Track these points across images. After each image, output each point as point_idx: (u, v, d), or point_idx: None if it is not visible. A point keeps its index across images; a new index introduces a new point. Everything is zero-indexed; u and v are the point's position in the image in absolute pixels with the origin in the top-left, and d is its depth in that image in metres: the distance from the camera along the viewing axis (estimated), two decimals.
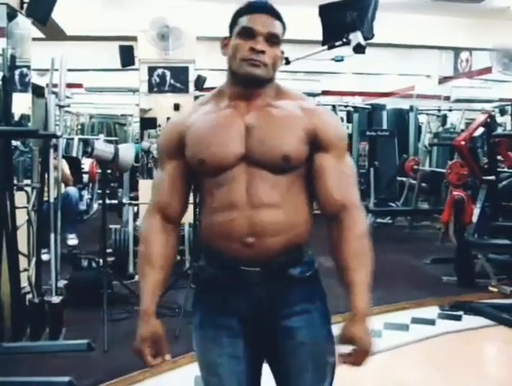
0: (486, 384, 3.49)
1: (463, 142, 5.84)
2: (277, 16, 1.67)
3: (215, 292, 1.69)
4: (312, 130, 1.64)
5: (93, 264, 4.81)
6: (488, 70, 9.71)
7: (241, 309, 1.65)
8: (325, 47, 4.27)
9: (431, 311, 4.65)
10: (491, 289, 5.14)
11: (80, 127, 12.51)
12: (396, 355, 3.80)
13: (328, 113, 1.75)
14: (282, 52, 1.69)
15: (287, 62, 4.75)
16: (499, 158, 6.35)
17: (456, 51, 10.56)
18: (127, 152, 3.98)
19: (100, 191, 8.85)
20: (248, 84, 1.65)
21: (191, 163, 1.65)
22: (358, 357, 1.56)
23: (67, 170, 6.30)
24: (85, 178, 8.57)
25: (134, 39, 6.62)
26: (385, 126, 9.82)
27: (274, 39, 1.64)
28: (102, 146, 4.01)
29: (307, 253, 1.70)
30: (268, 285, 1.63)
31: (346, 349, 1.53)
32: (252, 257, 1.60)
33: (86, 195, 8.95)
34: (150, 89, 6.54)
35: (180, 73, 6.50)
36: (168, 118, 6.43)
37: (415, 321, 4.44)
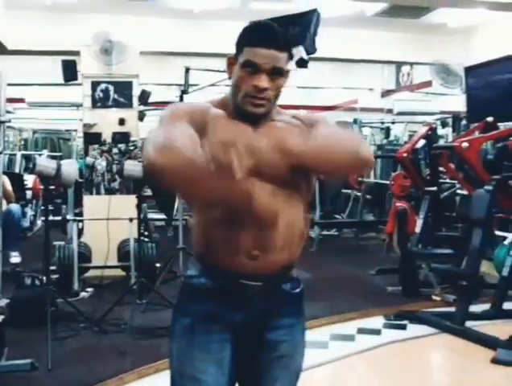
0: None
1: (405, 154, 5.95)
2: (284, 47, 1.66)
3: (207, 301, 1.67)
4: (305, 129, 1.69)
5: (37, 282, 4.70)
6: (428, 83, 9.97)
7: (235, 319, 1.66)
8: None
9: (377, 321, 4.72)
10: (434, 297, 5.25)
11: (23, 142, 12.28)
12: (342, 365, 3.83)
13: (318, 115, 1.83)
14: (287, 72, 1.69)
15: (231, 76, 4.78)
16: (441, 169, 6.51)
17: (398, 65, 10.81)
18: (70, 167, 3.92)
19: (43, 208, 8.69)
20: (250, 118, 1.67)
21: None
22: None
23: (9, 187, 6.16)
24: (29, 194, 8.40)
25: (77, 53, 6.55)
26: None
27: (278, 72, 1.64)
28: (44, 162, 3.94)
29: (293, 271, 1.76)
30: (265, 298, 1.66)
31: None
32: (254, 271, 1.63)
33: (29, 211, 8.77)
34: (94, 104, 6.46)
35: (124, 88, 6.45)
36: (114, 133, 6.39)
37: (361, 331, 4.48)
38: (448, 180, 6.71)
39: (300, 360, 1.78)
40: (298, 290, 1.74)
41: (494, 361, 3.83)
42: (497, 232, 5.13)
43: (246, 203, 1.61)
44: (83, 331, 4.34)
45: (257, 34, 1.66)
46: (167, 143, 1.45)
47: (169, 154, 1.42)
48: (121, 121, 6.47)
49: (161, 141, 1.47)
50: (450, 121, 10.01)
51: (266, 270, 1.64)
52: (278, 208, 1.64)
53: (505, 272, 4.70)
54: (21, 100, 10.48)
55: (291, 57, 1.70)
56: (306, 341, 1.80)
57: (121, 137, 6.42)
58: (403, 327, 4.62)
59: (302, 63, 4.21)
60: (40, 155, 6.53)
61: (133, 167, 4.34)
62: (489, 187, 4.65)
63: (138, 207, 4.46)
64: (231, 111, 1.69)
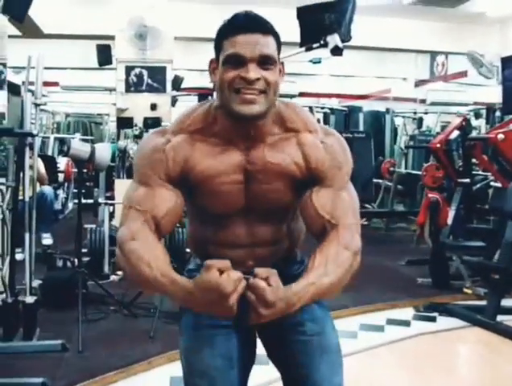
0: (460, 383, 3.53)
1: (438, 145, 5.89)
2: (268, 30, 1.46)
3: None
4: (306, 168, 1.55)
5: (68, 264, 4.77)
6: (463, 74, 9.83)
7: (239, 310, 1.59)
8: (303, 48, 4.28)
9: (406, 312, 4.69)
10: (465, 290, 5.19)
11: (55, 126, 12.39)
12: (371, 356, 3.81)
13: (324, 145, 1.58)
14: (283, 65, 1.52)
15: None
16: (474, 161, 6.42)
17: (432, 54, 10.65)
18: (103, 151, 3.96)
19: (75, 191, 8.78)
20: (244, 122, 1.48)
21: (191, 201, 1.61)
22: (258, 302, 1.30)
23: (42, 169, 6.23)
24: (61, 177, 8.48)
25: (112, 38, 6.58)
26: (361, 128, 9.88)
27: (268, 61, 1.44)
28: (78, 145, 3.98)
29: (298, 254, 1.75)
30: None
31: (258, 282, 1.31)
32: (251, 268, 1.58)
33: (61, 194, 8.86)
34: (128, 89, 6.51)
35: (158, 73, 6.48)
36: (146, 118, 6.43)
37: (390, 322, 4.46)
38: (480, 172, 6.62)
39: (334, 337, 1.67)
40: (301, 270, 1.63)
41: None
42: None
43: (239, 232, 1.60)
44: (113, 314, 4.39)
45: (234, 23, 1.46)
46: (128, 255, 1.44)
47: (126, 266, 1.46)
48: (153, 106, 6.51)
49: (126, 243, 1.46)
50: (484, 112, 9.87)
51: (265, 265, 1.46)
52: (274, 234, 1.62)
53: None
54: (55, 84, 10.61)
55: (279, 44, 1.48)
56: (333, 321, 1.72)
57: (153, 122, 6.45)
58: (433, 319, 4.58)
59: (336, 51, 4.17)
60: (73, 138, 6.57)
61: None
62: None
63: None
64: (220, 123, 1.52)
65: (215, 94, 1.56)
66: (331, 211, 1.52)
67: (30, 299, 3.80)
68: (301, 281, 1.39)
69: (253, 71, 1.41)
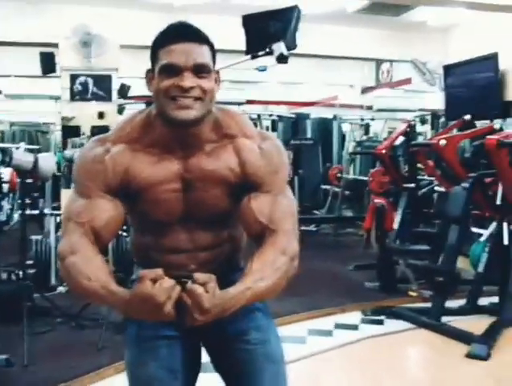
0: (408, 385, 3.58)
1: (384, 151, 6.00)
2: (202, 39, 1.48)
3: None
4: (242, 173, 1.56)
5: (13, 277, 4.66)
6: (408, 81, 10.03)
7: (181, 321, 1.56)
8: (248, 56, 4.31)
9: (354, 316, 4.75)
10: (411, 293, 5.29)
11: (0, 135, 12.14)
12: (320, 360, 3.84)
13: (260, 150, 1.58)
14: (218, 73, 1.53)
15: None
16: (419, 166, 6.56)
17: (378, 62, 10.85)
18: (47, 161, 3.89)
19: (20, 201, 8.60)
20: (181, 128, 1.50)
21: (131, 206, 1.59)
22: (194, 307, 1.31)
23: None
24: (5, 187, 8.31)
25: (56, 45, 6.49)
26: (309, 135, 9.98)
27: (203, 70, 1.46)
28: (21, 156, 3.91)
29: (241, 261, 1.76)
30: None
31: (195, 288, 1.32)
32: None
33: (6, 205, 8.68)
34: (73, 97, 6.42)
35: (103, 81, 6.41)
36: (93, 127, 6.35)
37: (339, 326, 4.51)
38: (425, 177, 6.77)
39: (278, 345, 1.68)
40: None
41: (469, 355, 3.89)
42: (474, 229, 5.18)
43: (181, 239, 1.61)
44: (60, 326, 4.31)
45: (168, 32, 1.48)
46: (68, 268, 1.45)
47: (67, 279, 1.47)
48: (101, 115, 6.45)
49: (66, 251, 1.47)
50: (429, 118, 10.09)
51: (207, 268, 1.50)
52: (215, 239, 1.63)
53: (480, 268, 4.76)
54: None
55: (213, 53, 1.51)
56: (277, 329, 1.73)
57: (100, 131, 6.36)
58: (381, 322, 4.65)
59: (282, 59, 4.21)
60: (17, 148, 6.44)
61: None
62: (466, 185, 4.69)
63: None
64: (158, 131, 1.53)
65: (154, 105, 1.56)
66: (269, 217, 1.53)
67: None
68: (238, 285, 1.41)
69: (189, 80, 1.42)
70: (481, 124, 6.01)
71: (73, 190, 1.58)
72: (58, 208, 6.32)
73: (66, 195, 6.15)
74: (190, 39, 1.45)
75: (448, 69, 7.92)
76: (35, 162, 3.77)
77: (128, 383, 1.67)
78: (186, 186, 1.55)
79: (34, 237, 5.59)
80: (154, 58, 1.49)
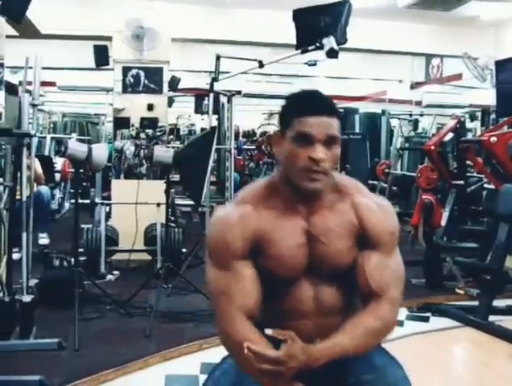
0: (452, 383, 3.56)
1: (433, 147, 5.93)
2: (334, 113, 1.58)
3: None
4: (360, 229, 1.64)
5: (65, 264, 4.80)
6: (458, 76, 9.87)
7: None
8: (299, 50, 4.33)
9: (400, 313, 4.71)
10: (458, 291, 5.24)
11: (52, 126, 12.42)
12: None
13: (379, 210, 1.68)
14: (339, 141, 1.61)
15: (261, 65, 4.82)
16: (469, 163, 6.47)
17: (428, 57, 10.69)
18: (101, 151, 3.99)
19: (72, 190, 8.80)
20: (307, 195, 1.60)
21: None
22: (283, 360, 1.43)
23: (39, 169, 6.26)
24: (57, 177, 8.52)
25: (109, 38, 6.60)
26: (357, 130, 9.93)
27: (332, 140, 1.56)
28: (76, 146, 4.01)
29: None
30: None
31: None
32: None
33: (58, 194, 8.91)
34: (125, 89, 6.53)
35: (154, 74, 6.50)
36: (142, 118, 6.45)
37: None
38: (475, 174, 6.67)
39: (397, 373, 1.71)
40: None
41: None
42: None
43: (305, 298, 1.63)
44: (109, 313, 4.42)
45: (304, 103, 1.58)
46: (233, 342, 1.53)
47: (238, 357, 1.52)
48: (150, 107, 6.53)
49: (228, 334, 1.55)
50: (479, 114, 9.93)
51: None
52: (338, 300, 1.65)
53: None
54: (52, 84, 10.62)
55: (341, 122, 1.62)
56: (393, 357, 1.78)
57: (150, 123, 6.49)
58: (426, 319, 4.63)
59: (332, 54, 4.22)
60: (70, 139, 6.60)
61: (162, 153, 4.38)
62: None
63: (167, 192, 4.50)
64: (283, 191, 1.62)
65: (277, 167, 1.68)
66: (378, 281, 1.63)
67: (27, 298, 3.83)
68: (327, 340, 1.52)
69: (321, 152, 1.53)
70: None
71: (214, 261, 1.63)
72: (108, 198, 6.47)
73: (116, 185, 6.30)
74: (324, 112, 1.55)
75: (500, 65, 7.74)
76: (89, 152, 3.86)
77: None
78: (310, 240, 1.62)
79: (85, 226, 5.74)
80: (286, 124, 1.58)
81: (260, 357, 1.42)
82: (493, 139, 4.97)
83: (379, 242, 1.65)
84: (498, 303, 4.70)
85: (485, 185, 6.25)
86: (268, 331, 1.48)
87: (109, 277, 5.34)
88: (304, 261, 1.61)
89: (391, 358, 1.77)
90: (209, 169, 4.44)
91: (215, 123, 7.96)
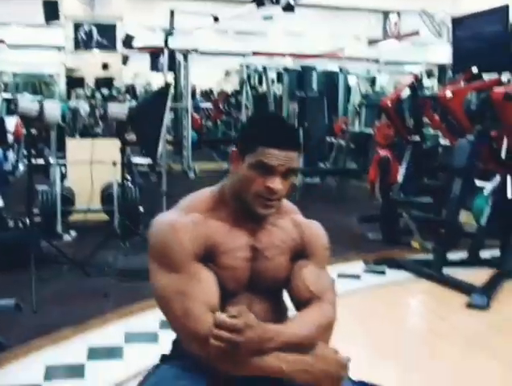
0: (408, 334, 3.65)
1: (389, 103, 5.97)
2: (299, 147, 1.60)
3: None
4: (300, 242, 1.69)
5: (20, 225, 4.72)
6: (415, 33, 9.92)
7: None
8: (254, 4, 4.27)
9: (357, 266, 4.80)
10: (413, 243, 5.33)
11: (3, 86, 12.08)
12: None
13: (316, 227, 1.77)
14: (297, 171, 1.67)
15: (216, 19, 4.75)
16: (425, 120, 6.54)
17: (385, 13, 10.70)
18: (53, 108, 3.88)
19: (26, 150, 8.62)
20: (255, 217, 1.62)
21: None
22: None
23: None
24: (10, 138, 8.32)
25: None
26: (315, 87, 9.91)
27: (292, 173, 1.59)
28: (27, 103, 3.90)
29: None
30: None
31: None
32: None
33: (11, 155, 8.71)
34: (77, 46, 6.39)
35: (107, 30, 6.38)
36: (97, 79, 6.33)
37: (341, 275, 4.57)
38: (431, 131, 6.75)
39: None
40: None
41: (469, 305, 3.95)
42: (477, 182, 5.19)
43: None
44: (66, 274, 4.38)
45: (270, 134, 1.56)
46: (197, 335, 1.49)
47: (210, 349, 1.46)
48: (105, 66, 6.42)
49: (190, 330, 1.50)
50: (436, 72, 10.01)
51: None
52: (270, 315, 1.66)
53: (482, 221, 4.80)
54: (0, 42, 10.31)
55: (300, 152, 1.64)
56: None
57: (105, 82, 6.37)
58: (382, 273, 4.71)
59: (288, 8, 4.18)
60: (22, 96, 6.42)
61: (117, 109, 4.30)
62: (471, 137, 4.68)
63: (122, 150, 4.44)
64: (231, 206, 1.63)
65: (227, 180, 1.65)
66: (317, 287, 1.66)
67: None
68: (278, 325, 1.54)
69: (279, 183, 1.55)
70: (488, 77, 5.94)
71: (164, 266, 1.57)
72: (63, 158, 6.34)
73: (71, 144, 6.18)
74: (289, 146, 1.55)
75: (457, 21, 7.78)
76: (41, 108, 3.76)
77: None
78: (255, 255, 1.64)
79: (40, 187, 5.63)
80: (248, 149, 1.56)
81: (221, 324, 1.44)
82: (449, 94, 5.01)
83: (316, 255, 1.71)
84: (453, 256, 4.82)
85: (441, 141, 6.34)
86: (221, 315, 1.47)
87: (66, 237, 5.28)
88: (247, 275, 1.63)
89: None
90: (164, 125, 4.39)
91: (171, 80, 7.84)
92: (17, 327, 3.41)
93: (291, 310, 1.73)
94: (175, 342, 1.74)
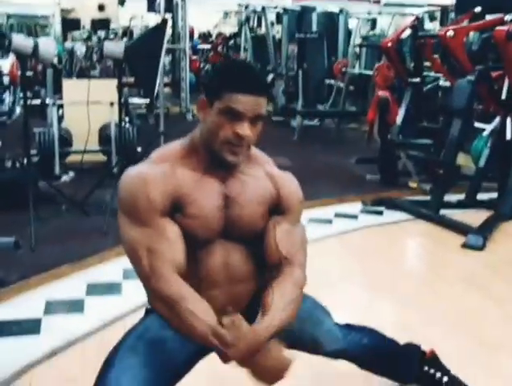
0: (404, 274, 3.69)
1: (390, 44, 5.89)
2: (266, 92, 1.59)
3: None
4: (275, 196, 1.68)
5: (17, 165, 4.70)
6: None
7: None
8: None
9: (355, 207, 4.82)
10: (411, 184, 5.33)
11: None
12: (319, 246, 3.93)
13: (291, 179, 1.75)
14: (264, 118, 1.62)
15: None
16: (426, 64, 6.46)
17: None
18: (48, 45, 3.80)
19: (22, 89, 8.53)
20: (225, 166, 1.61)
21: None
22: (225, 345, 1.50)
23: None
24: (6, 80, 8.23)
25: None
26: (314, 29, 9.77)
27: (259, 119, 1.57)
28: (21, 40, 3.82)
29: None
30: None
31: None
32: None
33: (8, 98, 8.63)
34: None
35: None
36: (93, 20, 6.21)
37: (338, 215, 4.59)
38: (432, 74, 6.67)
39: (303, 304, 1.75)
40: None
41: (465, 246, 3.98)
42: (476, 124, 5.15)
43: (216, 266, 1.64)
44: (65, 213, 4.41)
45: (238, 78, 1.56)
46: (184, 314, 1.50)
47: (178, 321, 1.51)
48: (101, 7, 6.30)
49: (153, 285, 1.52)
50: (438, 14, 9.83)
51: (240, 311, 1.61)
52: (247, 267, 1.68)
53: (481, 163, 4.80)
54: None
55: (269, 99, 1.63)
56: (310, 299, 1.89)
57: (101, 24, 6.27)
58: (380, 213, 4.74)
59: None
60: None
61: (113, 47, 4.23)
62: (471, 77, 4.63)
63: (119, 87, 4.39)
64: (202, 155, 1.62)
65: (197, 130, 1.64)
66: (287, 249, 1.67)
67: None
68: (265, 318, 1.56)
69: (247, 129, 1.54)
70: (491, 17, 5.84)
71: (133, 220, 1.57)
72: (60, 99, 6.29)
73: (68, 85, 6.11)
74: (257, 91, 1.54)
75: None
76: (36, 45, 3.70)
77: (126, 336, 1.66)
78: (227, 203, 1.63)
79: (37, 130, 5.59)
80: (215, 94, 1.55)
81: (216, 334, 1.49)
82: (450, 33, 4.94)
83: (290, 210, 1.70)
84: (450, 198, 4.83)
85: (442, 83, 6.28)
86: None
87: (64, 177, 5.27)
88: (220, 223, 1.63)
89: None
90: (161, 62, 4.32)
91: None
92: (16, 264, 3.44)
93: None
94: None
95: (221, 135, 1.55)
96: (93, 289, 3.16)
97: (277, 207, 1.69)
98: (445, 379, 2.17)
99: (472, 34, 5.26)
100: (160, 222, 1.55)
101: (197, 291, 1.58)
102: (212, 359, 1.59)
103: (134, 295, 3.02)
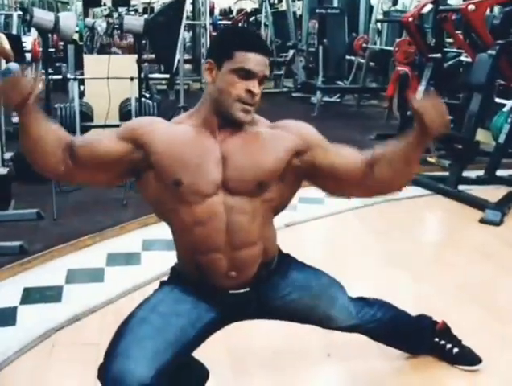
0: (420, 246, 3.71)
1: (411, 19, 5.83)
2: (271, 54, 1.71)
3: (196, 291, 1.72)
4: (297, 140, 1.69)
5: None
6: None
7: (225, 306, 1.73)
8: None
9: None
10: (429, 159, 5.28)
11: (18, 5, 11.94)
12: (337, 221, 3.96)
13: (294, 121, 1.77)
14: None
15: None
16: (447, 40, 6.40)
17: None
18: (68, 20, 3.85)
19: (43, 64, 8.60)
20: (233, 124, 1.65)
21: (163, 181, 1.64)
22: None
23: (7, 45, 6.05)
24: (28, 57, 8.27)
25: None
26: (335, 4, 9.70)
27: (264, 80, 1.64)
28: (42, 14, 3.87)
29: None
30: (254, 292, 1.75)
31: None
32: (236, 284, 1.71)
33: (30, 74, 8.69)
34: None
35: None
36: None
37: None
38: (453, 50, 6.60)
39: (320, 281, 1.89)
40: (274, 266, 1.81)
41: (482, 221, 3.98)
42: (497, 100, 5.10)
43: (218, 229, 1.64)
44: (86, 186, 4.46)
45: (246, 38, 1.65)
46: None
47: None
48: None
49: None
50: None
51: (246, 281, 1.71)
52: (251, 230, 1.67)
53: (501, 139, 4.75)
54: None
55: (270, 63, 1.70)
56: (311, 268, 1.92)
57: (122, 1, 6.28)
58: None
59: None
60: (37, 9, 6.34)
61: (133, 21, 4.26)
62: (492, 52, 4.59)
63: (139, 63, 4.42)
64: (203, 118, 1.66)
65: (203, 99, 1.70)
66: (356, 157, 1.74)
67: (3, 170, 3.85)
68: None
69: (258, 88, 1.61)
70: None
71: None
72: (81, 75, 6.33)
73: (89, 60, 6.15)
74: (264, 52, 1.63)
75: None
76: (56, 20, 3.75)
77: (137, 310, 1.68)
78: (224, 158, 1.64)
79: (58, 105, 5.64)
80: (225, 55, 1.60)
81: None
82: (471, 7, 4.89)
83: (317, 139, 1.74)
84: (469, 174, 4.81)
85: (463, 59, 6.21)
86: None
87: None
88: (218, 176, 1.63)
89: (311, 270, 1.91)
90: (180, 38, 4.34)
91: None
92: (39, 235, 3.54)
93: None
94: (173, 269, 1.81)
95: (234, 93, 1.59)
96: (113, 260, 3.23)
97: (306, 147, 1.71)
98: (455, 350, 2.21)
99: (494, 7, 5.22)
100: (114, 137, 1.68)
101: (199, 253, 1.65)
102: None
103: (153, 265, 3.09)
